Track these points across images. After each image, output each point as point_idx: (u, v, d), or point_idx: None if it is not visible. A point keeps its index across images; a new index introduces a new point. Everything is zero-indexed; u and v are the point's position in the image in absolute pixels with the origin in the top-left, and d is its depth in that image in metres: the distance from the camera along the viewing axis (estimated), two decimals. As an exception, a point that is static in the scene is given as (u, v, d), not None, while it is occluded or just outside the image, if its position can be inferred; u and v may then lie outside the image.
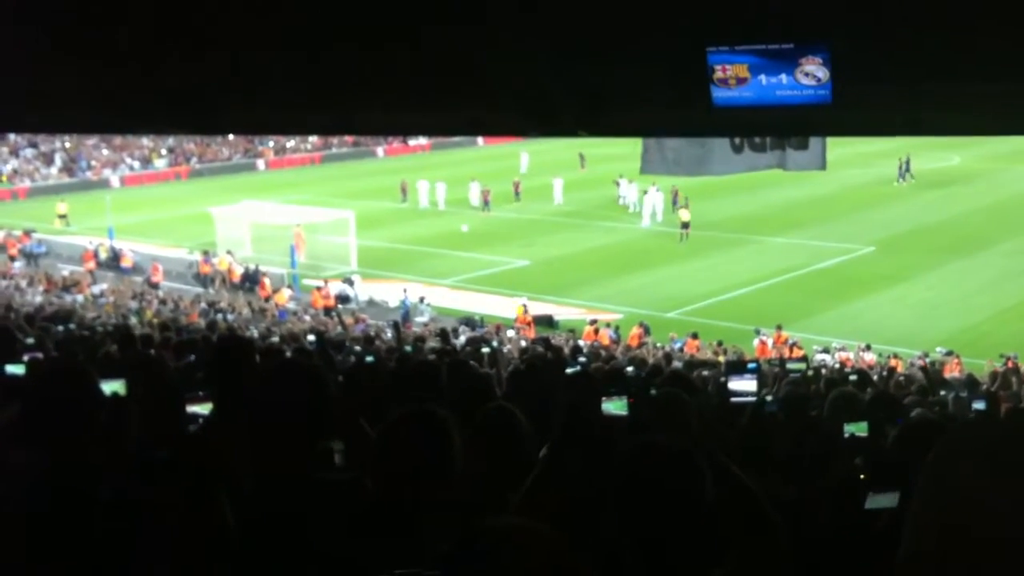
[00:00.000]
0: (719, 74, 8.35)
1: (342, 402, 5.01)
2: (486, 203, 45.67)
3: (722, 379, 8.77)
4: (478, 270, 35.74)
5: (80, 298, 29.33)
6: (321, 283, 32.17)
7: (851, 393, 7.17)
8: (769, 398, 7.58)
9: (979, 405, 9.82)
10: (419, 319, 28.79)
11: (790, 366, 12.42)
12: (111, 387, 5.58)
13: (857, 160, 50.71)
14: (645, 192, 42.40)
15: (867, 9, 6.58)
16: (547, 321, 28.72)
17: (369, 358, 9.83)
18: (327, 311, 28.89)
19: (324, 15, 8.34)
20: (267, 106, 10.35)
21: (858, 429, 5.74)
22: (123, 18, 8.82)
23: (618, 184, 46.08)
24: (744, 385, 6.84)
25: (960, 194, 46.34)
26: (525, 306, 28.72)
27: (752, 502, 3.77)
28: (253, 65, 8.84)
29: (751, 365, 7.21)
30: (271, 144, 69.98)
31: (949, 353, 22.74)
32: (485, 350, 12.87)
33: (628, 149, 49.45)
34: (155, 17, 8.73)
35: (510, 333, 25.65)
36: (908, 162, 49.66)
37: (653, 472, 2.94)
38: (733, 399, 6.81)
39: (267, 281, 33.44)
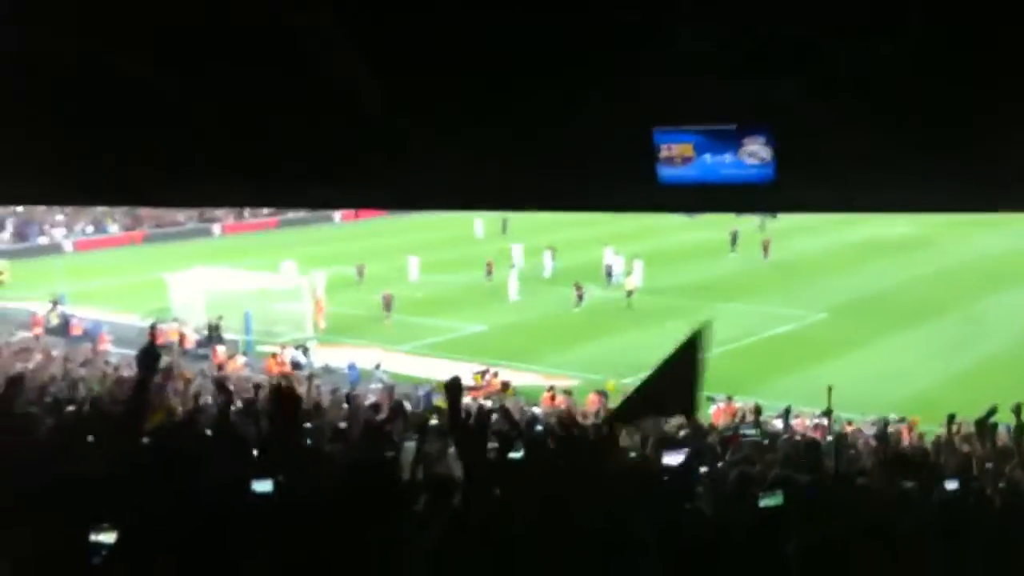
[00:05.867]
0: (665, 152, 8.57)
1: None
2: (388, 307, 39.10)
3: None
4: (435, 336, 35.78)
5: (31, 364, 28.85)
6: (277, 349, 32.08)
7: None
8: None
9: (951, 485, 7.38)
10: (372, 386, 28.53)
11: (743, 431, 12.47)
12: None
13: (805, 228, 51.53)
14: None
15: (804, 98, 6.81)
16: (503, 387, 28.66)
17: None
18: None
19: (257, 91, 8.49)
20: (194, 178, 10.45)
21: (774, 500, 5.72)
22: (72, 91, 8.91)
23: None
24: (677, 460, 6.83)
25: (908, 261, 47.10)
26: (482, 373, 28.68)
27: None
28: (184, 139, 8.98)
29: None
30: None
31: (902, 420, 22.92)
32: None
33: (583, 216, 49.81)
34: (104, 89, 8.84)
35: (466, 400, 25.52)
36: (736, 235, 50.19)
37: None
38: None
39: (220, 349, 33.09)
